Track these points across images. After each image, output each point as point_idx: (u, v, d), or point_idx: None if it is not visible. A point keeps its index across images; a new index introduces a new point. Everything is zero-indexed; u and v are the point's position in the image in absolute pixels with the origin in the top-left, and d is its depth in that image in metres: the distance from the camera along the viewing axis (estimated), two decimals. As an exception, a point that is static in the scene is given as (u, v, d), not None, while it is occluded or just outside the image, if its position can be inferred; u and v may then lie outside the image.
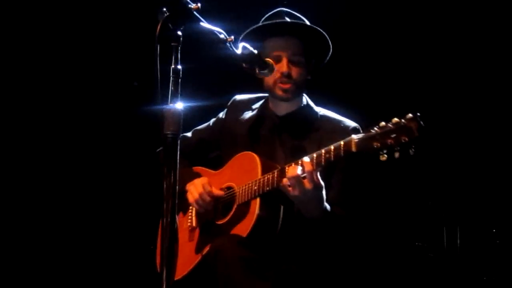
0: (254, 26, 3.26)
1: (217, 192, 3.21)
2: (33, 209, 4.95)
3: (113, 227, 5.06)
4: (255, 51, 2.77)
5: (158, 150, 3.52)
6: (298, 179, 2.76)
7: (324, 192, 2.84)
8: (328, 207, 2.91)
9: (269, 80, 3.21)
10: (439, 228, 4.77)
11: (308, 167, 2.75)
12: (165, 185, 2.00)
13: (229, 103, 3.52)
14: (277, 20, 3.25)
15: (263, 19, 3.31)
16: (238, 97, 3.52)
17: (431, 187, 4.88)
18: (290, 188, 2.80)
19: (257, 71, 2.87)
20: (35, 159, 4.99)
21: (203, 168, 3.45)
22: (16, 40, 4.84)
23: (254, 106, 3.43)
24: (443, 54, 4.93)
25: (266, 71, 2.90)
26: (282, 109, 3.31)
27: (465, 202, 4.80)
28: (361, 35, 4.92)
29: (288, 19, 3.24)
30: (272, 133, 3.28)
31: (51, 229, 4.97)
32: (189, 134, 3.56)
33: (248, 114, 3.41)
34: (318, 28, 3.24)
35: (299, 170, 2.76)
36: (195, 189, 3.23)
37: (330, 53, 3.32)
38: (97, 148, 5.09)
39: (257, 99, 3.46)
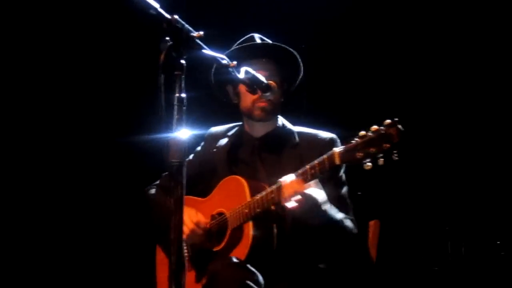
0: (232, 48, 3.33)
1: (204, 222, 3.23)
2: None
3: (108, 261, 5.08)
4: (258, 75, 2.83)
5: (146, 188, 3.55)
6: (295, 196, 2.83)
7: (321, 197, 2.92)
8: (332, 210, 3.00)
9: (247, 101, 3.28)
10: (444, 242, 4.79)
11: (297, 184, 2.83)
12: (172, 201, 2.07)
13: (205, 136, 3.57)
14: (255, 42, 3.33)
15: (236, 44, 3.38)
16: (214, 128, 3.59)
17: (434, 201, 4.90)
18: (290, 207, 2.87)
19: (260, 93, 2.93)
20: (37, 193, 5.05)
21: (191, 196, 3.38)
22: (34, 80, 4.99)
23: (229, 134, 3.49)
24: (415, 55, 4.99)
25: (268, 93, 2.95)
26: (259, 131, 3.38)
27: (469, 213, 4.83)
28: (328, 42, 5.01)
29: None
30: (252, 155, 3.35)
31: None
32: None
33: (224, 141, 3.47)
34: (293, 51, 3.34)
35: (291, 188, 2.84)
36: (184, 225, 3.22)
37: (300, 76, 3.41)
38: (98, 177, 5.14)
39: (232, 127, 3.53)
